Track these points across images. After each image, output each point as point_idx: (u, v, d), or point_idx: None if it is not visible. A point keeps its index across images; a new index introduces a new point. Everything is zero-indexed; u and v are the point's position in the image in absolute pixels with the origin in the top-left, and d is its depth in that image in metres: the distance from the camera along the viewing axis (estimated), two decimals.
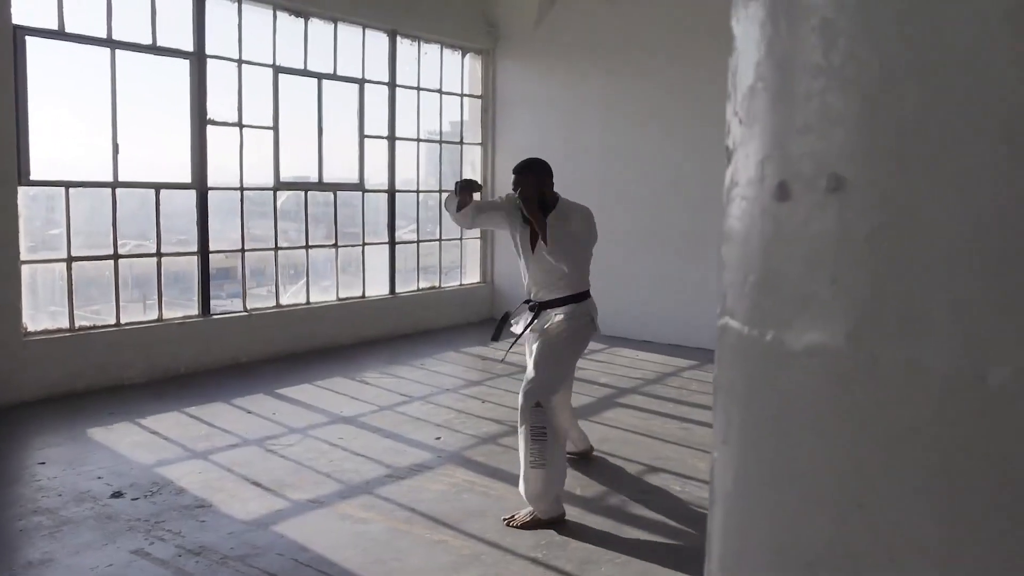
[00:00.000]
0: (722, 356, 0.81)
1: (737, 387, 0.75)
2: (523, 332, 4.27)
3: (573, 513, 4.04)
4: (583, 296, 4.24)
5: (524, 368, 4.39)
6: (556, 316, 4.18)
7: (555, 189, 4.24)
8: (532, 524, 3.86)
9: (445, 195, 4.44)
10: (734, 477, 0.76)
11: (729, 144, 0.77)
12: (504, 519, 3.92)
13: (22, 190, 5.68)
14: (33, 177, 5.74)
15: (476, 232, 9.65)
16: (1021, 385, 0.52)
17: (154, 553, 3.53)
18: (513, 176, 4.19)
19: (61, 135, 6.12)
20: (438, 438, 5.24)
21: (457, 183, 4.23)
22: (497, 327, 4.43)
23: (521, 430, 3.92)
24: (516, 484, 4.15)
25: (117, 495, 4.16)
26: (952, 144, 0.56)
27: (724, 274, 0.82)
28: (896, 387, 0.58)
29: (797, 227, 0.65)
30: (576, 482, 4.46)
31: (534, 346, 4.21)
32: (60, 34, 5.83)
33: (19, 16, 5.59)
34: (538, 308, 4.23)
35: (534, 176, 4.12)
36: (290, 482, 4.41)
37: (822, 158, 0.63)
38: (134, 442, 5.03)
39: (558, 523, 3.89)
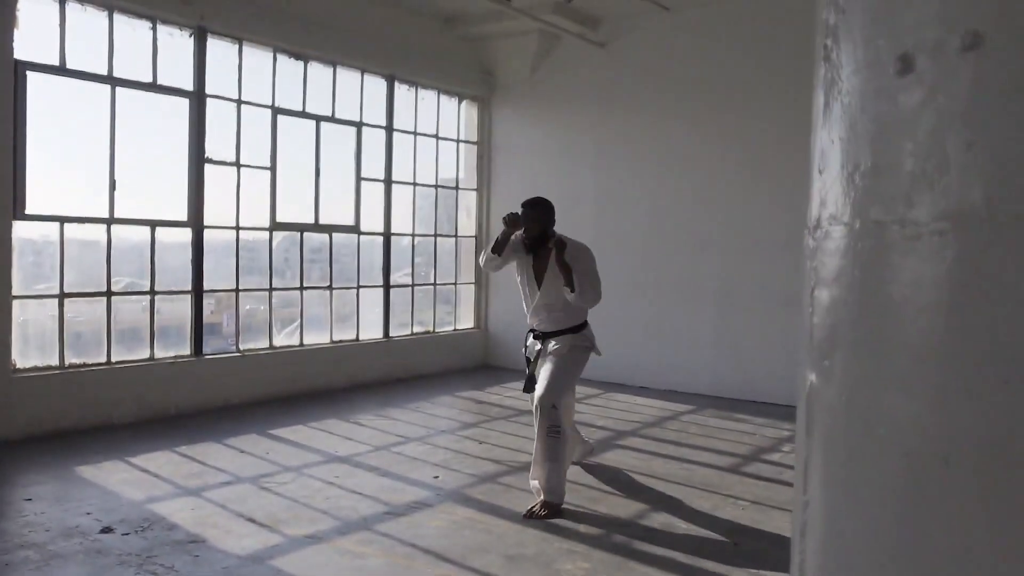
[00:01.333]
0: (825, 267, 0.76)
1: (847, 296, 0.70)
2: (536, 360, 4.73)
3: (578, 550, 3.93)
4: (581, 327, 4.72)
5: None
6: (558, 344, 4.66)
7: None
8: (549, 512, 4.36)
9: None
10: (838, 390, 0.71)
11: (828, 42, 0.74)
12: (524, 514, 4.36)
13: (17, 225, 5.62)
14: (28, 211, 5.69)
15: (471, 277, 9.63)
16: None
17: None
18: (523, 210, 4.65)
19: (58, 170, 6.07)
20: (436, 477, 5.12)
21: (505, 219, 4.65)
22: (527, 380, 4.74)
23: (539, 430, 4.45)
24: (518, 521, 4.33)
25: (107, 530, 4.02)
26: None
27: (820, 181, 0.78)
28: None
29: (923, 98, 0.61)
30: (580, 521, 4.36)
31: (541, 369, 4.65)
32: (61, 70, 5.83)
33: (21, 51, 5.59)
34: (543, 337, 4.70)
35: (542, 212, 4.65)
36: (285, 518, 4.28)
37: (953, 17, 0.59)
38: (123, 479, 4.89)
39: (560, 509, 4.42)
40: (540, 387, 4.53)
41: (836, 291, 0.73)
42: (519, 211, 4.65)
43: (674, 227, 8.36)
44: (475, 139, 9.58)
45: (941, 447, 0.60)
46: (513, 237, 4.69)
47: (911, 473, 0.63)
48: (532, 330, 4.79)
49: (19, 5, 5.59)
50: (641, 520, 4.43)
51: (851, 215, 0.70)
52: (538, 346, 4.72)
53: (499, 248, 4.69)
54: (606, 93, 8.79)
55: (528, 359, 4.81)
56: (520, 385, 4.88)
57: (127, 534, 3.99)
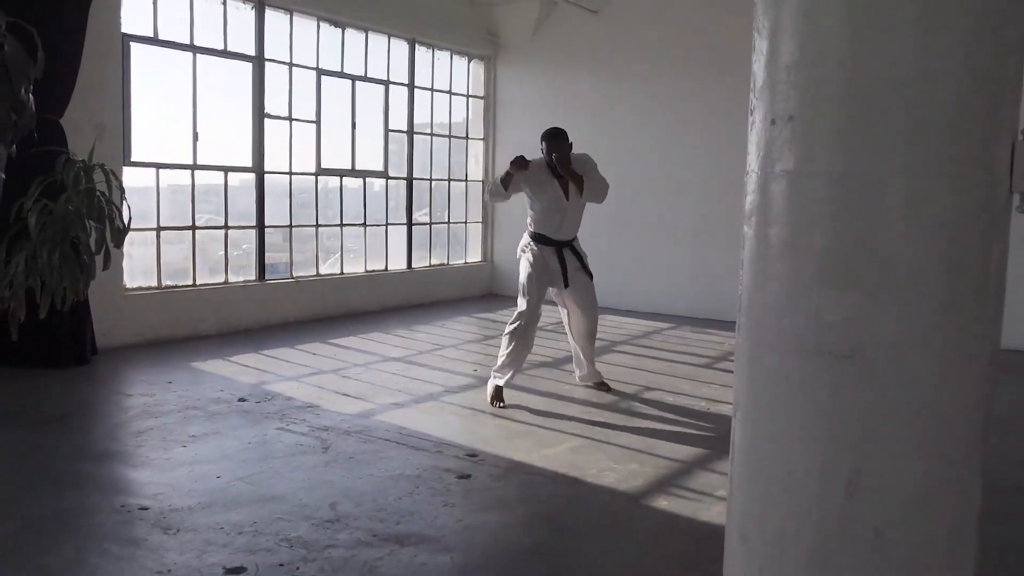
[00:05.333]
0: (749, 187, 2.11)
1: (756, 198, 2.06)
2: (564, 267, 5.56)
3: (596, 409, 5.36)
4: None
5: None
6: (579, 253, 5.65)
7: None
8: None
9: (491, 185, 5.72)
10: (754, 232, 2.07)
11: (751, 107, 2.08)
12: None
13: (126, 171, 6.82)
14: (134, 159, 6.90)
15: (479, 217, 10.95)
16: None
17: (292, 429, 4.76)
18: (548, 141, 5.50)
19: (154, 125, 7.26)
20: (475, 370, 6.50)
21: (512, 162, 5.43)
22: (564, 278, 5.55)
23: (592, 337, 5.77)
24: (548, 396, 5.76)
25: (243, 400, 5.38)
26: (834, 110, 1.87)
27: (749, 156, 2.13)
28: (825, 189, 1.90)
29: (779, 133, 1.97)
30: (594, 394, 5.79)
31: (572, 282, 5.56)
32: (155, 40, 7.00)
33: (126, 26, 6.74)
34: (560, 245, 5.55)
35: (566, 141, 5.49)
36: (371, 394, 5.65)
37: (785, 108, 1.94)
38: (233, 371, 6.22)
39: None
40: (590, 308, 5.63)
41: (752, 196, 2.09)
42: (524, 156, 5.47)
43: (657, 172, 9.71)
44: (482, 94, 10.82)
45: (784, 235, 1.98)
46: (533, 164, 5.44)
47: (784, 255, 2.00)
48: (543, 239, 5.50)
49: None
50: (640, 394, 5.86)
51: (757, 168, 2.06)
52: (563, 252, 5.52)
53: (507, 184, 5.42)
54: (598, 54, 10.04)
55: (548, 266, 5.48)
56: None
57: (259, 402, 5.35)
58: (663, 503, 3.82)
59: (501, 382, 5.46)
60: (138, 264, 7.19)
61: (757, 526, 2.06)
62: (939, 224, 1.81)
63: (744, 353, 2.07)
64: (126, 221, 5.35)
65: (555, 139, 5.46)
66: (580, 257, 5.66)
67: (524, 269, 5.55)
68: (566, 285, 5.56)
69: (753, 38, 2.09)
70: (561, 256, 5.56)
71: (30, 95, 4.59)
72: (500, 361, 5.46)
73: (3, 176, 5.28)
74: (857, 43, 1.87)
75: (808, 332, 1.91)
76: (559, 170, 5.42)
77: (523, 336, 5.42)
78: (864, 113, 1.84)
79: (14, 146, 4.67)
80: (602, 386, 5.91)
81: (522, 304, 5.48)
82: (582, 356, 5.91)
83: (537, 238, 5.57)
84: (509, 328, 5.47)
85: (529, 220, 5.65)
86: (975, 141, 1.80)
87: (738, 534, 2.10)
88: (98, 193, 5.09)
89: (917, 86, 1.81)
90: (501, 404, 5.38)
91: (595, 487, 4.00)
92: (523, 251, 5.62)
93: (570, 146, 5.48)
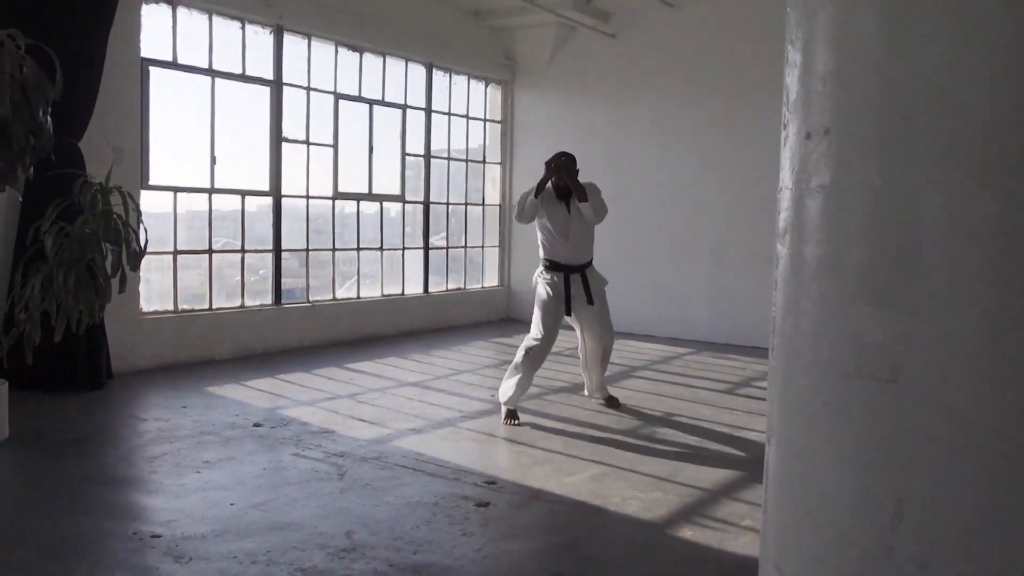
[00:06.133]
0: (782, 203, 2.03)
1: (790, 215, 1.98)
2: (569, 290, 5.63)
3: (618, 435, 5.25)
4: (591, 261, 5.85)
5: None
6: (596, 279, 5.75)
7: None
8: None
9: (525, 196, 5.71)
10: (788, 249, 1.99)
11: (784, 122, 2.01)
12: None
13: (144, 194, 6.82)
14: (152, 182, 6.90)
15: (496, 241, 10.90)
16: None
17: (308, 455, 4.69)
18: (561, 158, 5.64)
19: (172, 148, 7.27)
20: (493, 395, 6.40)
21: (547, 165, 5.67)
22: (567, 304, 5.65)
23: (605, 356, 5.95)
24: (566, 422, 5.65)
25: (258, 425, 5.31)
26: (872, 121, 1.80)
27: (782, 171, 2.05)
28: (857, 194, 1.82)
29: (814, 147, 1.89)
30: (614, 419, 5.69)
31: (588, 308, 5.69)
32: (174, 64, 7.02)
33: (145, 50, 6.77)
34: (569, 270, 5.65)
35: (574, 159, 5.71)
36: (388, 419, 5.57)
37: (820, 122, 1.87)
38: (248, 395, 6.16)
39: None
40: (603, 329, 5.76)
41: (786, 213, 2.01)
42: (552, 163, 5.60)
43: (675, 195, 9.64)
44: (499, 118, 10.81)
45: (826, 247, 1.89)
46: (546, 191, 5.62)
47: (820, 274, 1.92)
48: (554, 265, 5.64)
49: (142, 11, 6.76)
50: (662, 420, 5.75)
51: (791, 184, 1.98)
52: (554, 279, 5.61)
53: (540, 189, 5.57)
54: (615, 78, 10.03)
55: (561, 292, 5.59)
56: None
57: (274, 427, 5.28)
58: (688, 533, 3.71)
59: (512, 405, 5.60)
60: (155, 288, 7.17)
61: (792, 556, 1.95)
62: (984, 237, 1.71)
63: (778, 375, 1.98)
64: (143, 244, 5.31)
65: (567, 157, 5.68)
66: (598, 282, 5.76)
67: (539, 296, 5.68)
68: (578, 312, 5.71)
69: (785, 50, 2.02)
70: (583, 281, 5.68)
71: (48, 117, 4.58)
72: (509, 387, 5.57)
73: (21, 198, 5.27)
74: (894, 51, 1.79)
75: (846, 353, 1.82)
76: (563, 174, 5.57)
77: (533, 363, 5.58)
78: (903, 123, 1.75)
79: (32, 168, 4.65)
80: (612, 400, 6.06)
81: (536, 331, 5.59)
82: (590, 376, 6.12)
83: (550, 265, 5.71)
84: (521, 353, 5.59)
85: (541, 249, 5.79)
86: (1019, 150, 1.73)
87: (772, 564, 2.00)
88: (115, 216, 5.06)
89: (957, 94, 1.73)
90: (516, 422, 5.51)
91: (618, 516, 3.89)
92: (538, 279, 5.76)
93: (577, 172, 5.66)
